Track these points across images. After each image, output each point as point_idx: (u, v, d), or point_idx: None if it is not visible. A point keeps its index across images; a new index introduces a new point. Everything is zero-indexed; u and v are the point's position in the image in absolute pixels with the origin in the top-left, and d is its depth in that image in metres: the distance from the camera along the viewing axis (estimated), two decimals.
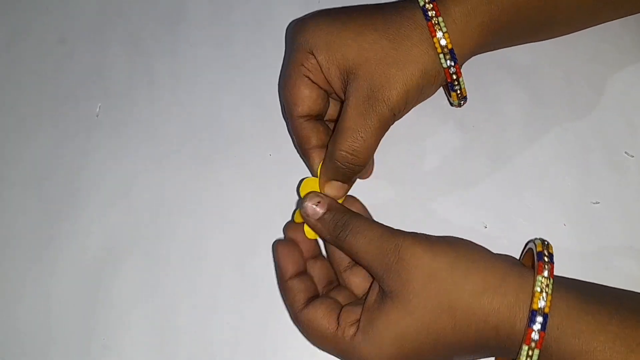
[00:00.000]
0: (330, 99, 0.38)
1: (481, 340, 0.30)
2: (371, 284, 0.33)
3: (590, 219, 0.38)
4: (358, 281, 0.36)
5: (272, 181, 0.40)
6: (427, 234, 0.32)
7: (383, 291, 0.31)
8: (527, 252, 0.34)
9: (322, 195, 0.34)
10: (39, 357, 0.37)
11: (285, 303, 0.35)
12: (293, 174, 0.40)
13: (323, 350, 0.33)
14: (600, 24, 0.40)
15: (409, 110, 0.36)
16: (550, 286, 0.29)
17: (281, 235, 0.39)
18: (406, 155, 0.40)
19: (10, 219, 0.40)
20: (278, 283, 0.35)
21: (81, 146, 0.42)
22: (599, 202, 0.38)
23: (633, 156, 0.39)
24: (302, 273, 0.35)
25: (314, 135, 0.36)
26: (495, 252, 0.32)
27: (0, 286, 0.39)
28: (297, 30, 0.36)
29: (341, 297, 0.35)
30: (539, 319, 0.28)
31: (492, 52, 0.39)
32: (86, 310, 0.38)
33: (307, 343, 0.34)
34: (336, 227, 0.33)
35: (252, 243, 0.39)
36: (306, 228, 0.35)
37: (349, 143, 0.33)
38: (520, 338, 0.29)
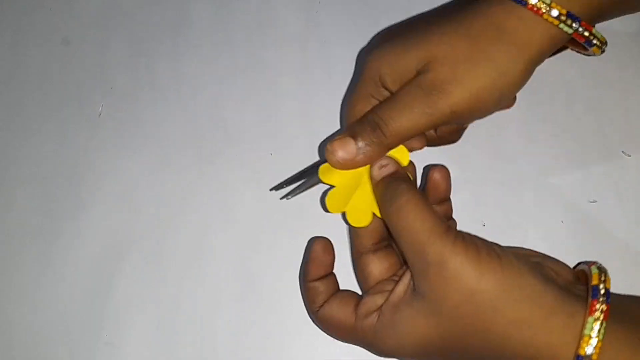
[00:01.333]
0: None
1: None
2: (399, 278, 0.31)
3: (587, 218, 0.38)
4: (377, 270, 0.33)
5: (273, 181, 0.40)
6: (479, 238, 0.29)
7: (414, 288, 0.29)
8: (580, 271, 0.31)
9: (392, 159, 0.32)
10: (42, 354, 0.37)
11: (303, 299, 0.35)
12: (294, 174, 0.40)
13: (345, 342, 0.33)
14: None
15: (483, 113, 0.33)
16: (602, 331, 0.26)
17: (281, 235, 0.39)
18: None
19: (14, 218, 0.40)
20: (300, 279, 0.35)
21: (84, 146, 0.42)
22: (596, 201, 0.39)
23: (630, 155, 0.39)
24: (327, 275, 0.34)
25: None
26: None
27: (3, 285, 0.39)
28: (365, 61, 0.34)
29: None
30: None
31: None
32: (89, 308, 0.38)
33: (308, 343, 0.35)
34: (386, 197, 0.30)
35: (254, 242, 0.39)
36: (350, 216, 0.33)
37: (388, 113, 0.31)
38: None
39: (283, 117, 0.41)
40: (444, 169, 0.34)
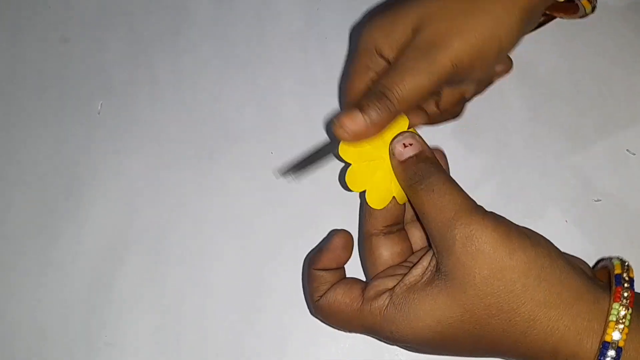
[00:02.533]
0: None
1: (531, 353, 0.27)
2: (418, 260, 0.30)
3: (591, 217, 0.38)
4: (388, 253, 0.32)
5: (274, 179, 0.40)
6: (505, 218, 0.29)
7: (437, 268, 0.28)
8: (601, 269, 0.31)
9: (417, 137, 0.31)
10: (42, 354, 0.37)
11: (304, 290, 0.33)
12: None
13: (349, 331, 0.31)
14: None
15: (484, 66, 0.32)
16: (629, 317, 0.26)
17: (281, 234, 0.39)
18: None
19: (12, 216, 0.40)
20: (304, 265, 0.33)
21: (83, 144, 0.42)
22: (600, 200, 0.38)
23: (635, 154, 0.39)
24: (338, 268, 0.32)
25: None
26: None
27: (3, 284, 0.39)
28: (359, 34, 0.34)
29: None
30: (611, 352, 0.25)
31: None
32: (89, 307, 0.38)
33: (308, 343, 0.34)
34: (415, 176, 0.29)
35: (254, 241, 0.39)
36: (370, 196, 0.32)
37: (391, 80, 0.30)
38: None
39: (283, 116, 0.41)
40: (438, 151, 0.33)
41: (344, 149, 0.32)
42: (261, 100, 0.42)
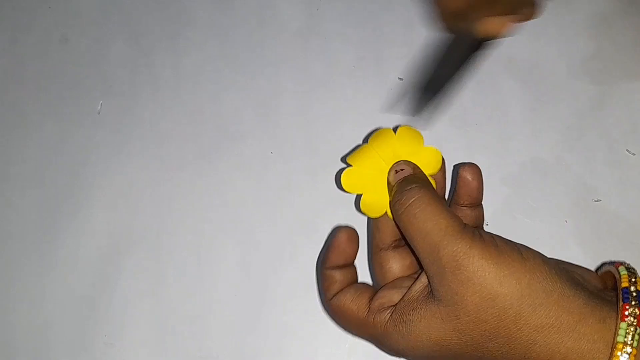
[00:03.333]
0: None
1: None
2: (418, 275, 0.30)
3: (591, 217, 0.38)
4: (397, 267, 0.32)
5: (273, 179, 0.40)
6: (501, 238, 0.28)
7: (431, 290, 0.28)
8: (606, 273, 0.30)
9: (408, 163, 0.31)
10: (42, 353, 0.37)
11: (318, 287, 0.33)
12: (295, 172, 0.40)
13: (354, 334, 0.32)
14: None
15: None
16: (637, 337, 0.25)
17: (282, 234, 0.39)
18: None
19: (13, 215, 0.40)
20: (317, 265, 0.33)
21: (83, 144, 0.42)
22: (600, 200, 0.38)
23: (634, 154, 0.39)
24: (347, 265, 0.32)
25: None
26: None
27: (3, 284, 0.39)
28: None
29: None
30: None
31: (494, 49, 0.39)
32: (89, 307, 0.38)
33: (309, 343, 0.34)
34: (401, 199, 0.29)
35: (253, 240, 0.39)
36: (364, 202, 0.32)
37: None
38: None
39: (283, 116, 0.41)
40: (473, 166, 0.32)
41: (353, 158, 0.32)
42: (261, 100, 0.42)
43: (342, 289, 0.31)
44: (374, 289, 0.31)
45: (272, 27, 0.44)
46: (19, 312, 0.38)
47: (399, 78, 0.42)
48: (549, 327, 0.26)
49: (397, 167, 0.31)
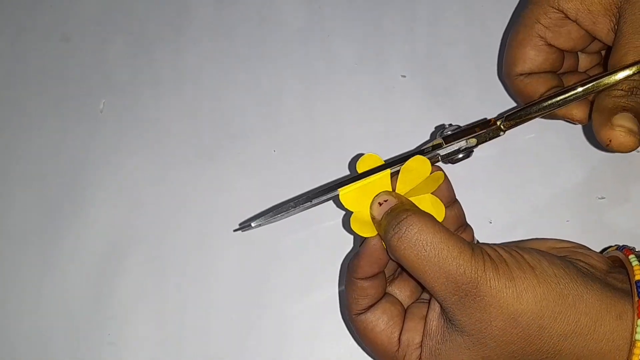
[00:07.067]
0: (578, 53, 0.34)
1: None
2: (430, 300, 0.29)
3: (595, 215, 0.38)
4: (405, 294, 0.31)
5: (276, 177, 0.40)
6: (503, 249, 0.27)
7: (450, 319, 0.27)
8: (613, 258, 0.30)
9: (390, 194, 0.29)
10: (44, 354, 0.37)
11: (345, 297, 0.31)
12: (297, 171, 0.40)
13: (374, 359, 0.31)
14: None
15: None
16: None
17: (283, 233, 0.38)
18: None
19: (14, 214, 0.40)
20: (347, 275, 0.30)
21: (85, 142, 0.42)
22: (604, 198, 0.38)
23: (638, 151, 0.39)
24: (377, 275, 0.30)
25: (541, 86, 0.33)
26: None
27: (5, 284, 0.39)
28: None
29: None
30: None
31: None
32: (91, 307, 0.38)
33: (309, 343, 0.34)
34: (398, 233, 0.27)
35: (255, 239, 0.39)
36: (355, 220, 0.30)
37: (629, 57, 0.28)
38: None
39: (285, 114, 0.41)
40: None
41: (360, 166, 0.30)
42: (263, 98, 0.42)
43: (371, 306, 0.30)
44: (403, 314, 0.30)
45: (274, 25, 0.44)
46: (21, 311, 0.38)
47: (401, 75, 0.42)
48: (572, 334, 0.26)
49: (379, 200, 0.29)
